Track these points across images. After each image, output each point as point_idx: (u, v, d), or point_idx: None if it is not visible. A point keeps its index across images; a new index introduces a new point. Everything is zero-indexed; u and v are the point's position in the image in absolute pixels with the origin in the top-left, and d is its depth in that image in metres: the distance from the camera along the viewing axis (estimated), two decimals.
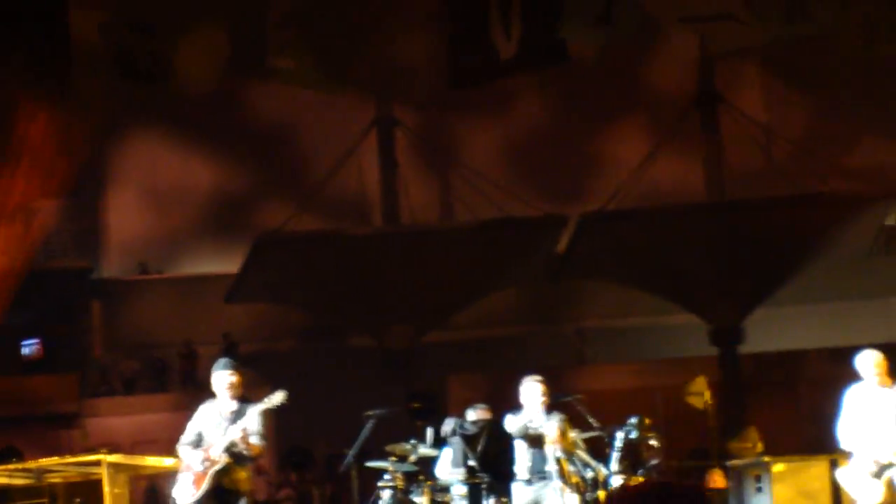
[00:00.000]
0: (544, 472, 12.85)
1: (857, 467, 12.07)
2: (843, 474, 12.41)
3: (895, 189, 24.58)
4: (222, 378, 11.67)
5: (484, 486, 12.85)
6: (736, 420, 21.17)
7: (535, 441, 12.88)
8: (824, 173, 24.87)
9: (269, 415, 11.64)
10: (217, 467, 11.21)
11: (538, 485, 12.96)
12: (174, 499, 11.43)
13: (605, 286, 25.42)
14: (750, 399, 23.81)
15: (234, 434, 11.23)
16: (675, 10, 24.93)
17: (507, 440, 12.35)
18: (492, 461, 11.91)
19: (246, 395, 11.77)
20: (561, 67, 25.64)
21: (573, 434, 12.97)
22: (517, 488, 13.01)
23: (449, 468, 13.49)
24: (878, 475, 11.95)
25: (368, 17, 25.72)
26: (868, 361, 12.51)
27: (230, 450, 11.31)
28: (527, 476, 13.01)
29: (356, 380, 24.09)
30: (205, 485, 11.13)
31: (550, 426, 12.79)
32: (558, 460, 12.64)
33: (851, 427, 12.37)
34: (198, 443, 11.48)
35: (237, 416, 11.42)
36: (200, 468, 11.24)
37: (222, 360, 12.17)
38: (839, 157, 25.31)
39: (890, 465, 11.98)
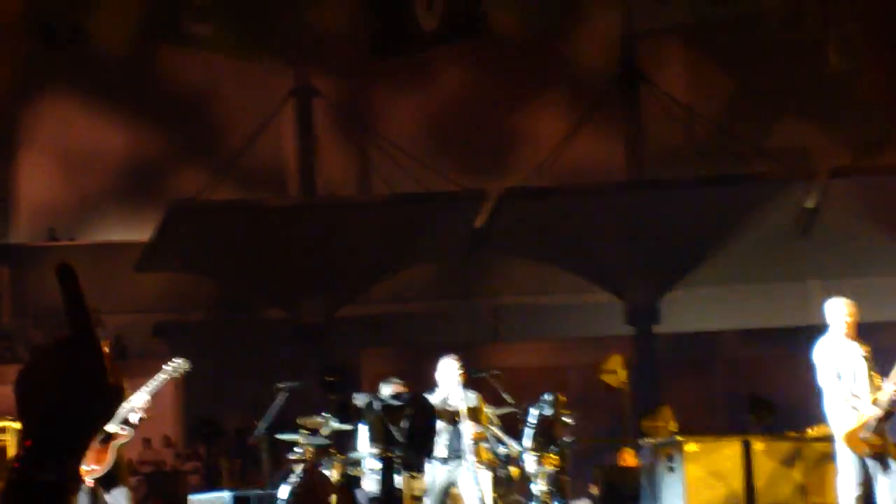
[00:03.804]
0: (459, 451, 12.63)
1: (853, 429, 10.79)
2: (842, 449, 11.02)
3: (815, 171, 24.62)
4: None
5: (398, 462, 12.59)
6: (650, 399, 21.09)
7: (451, 418, 12.64)
8: (745, 154, 24.87)
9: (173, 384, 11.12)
10: (123, 441, 10.66)
11: (453, 464, 12.72)
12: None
13: (523, 263, 25.27)
14: (665, 379, 23.77)
15: (140, 401, 10.67)
16: None
17: (432, 414, 12.04)
18: (417, 436, 11.56)
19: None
20: (482, 41, 25.47)
21: (488, 410, 12.79)
22: (432, 467, 12.75)
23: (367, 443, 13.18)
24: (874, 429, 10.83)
25: None
26: (839, 308, 10.78)
27: (129, 422, 10.71)
28: (444, 454, 12.77)
29: (269, 353, 23.82)
30: (109, 459, 10.52)
31: (465, 403, 12.56)
32: (473, 438, 12.43)
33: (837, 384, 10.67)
34: None
35: None
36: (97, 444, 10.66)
37: None
38: (760, 138, 25.28)
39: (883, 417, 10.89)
